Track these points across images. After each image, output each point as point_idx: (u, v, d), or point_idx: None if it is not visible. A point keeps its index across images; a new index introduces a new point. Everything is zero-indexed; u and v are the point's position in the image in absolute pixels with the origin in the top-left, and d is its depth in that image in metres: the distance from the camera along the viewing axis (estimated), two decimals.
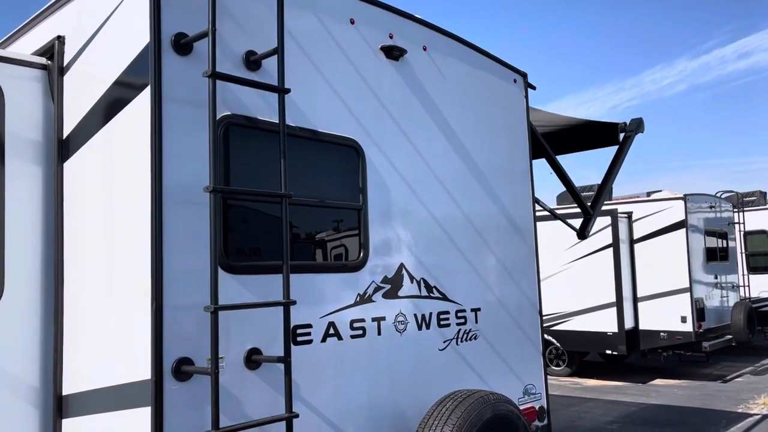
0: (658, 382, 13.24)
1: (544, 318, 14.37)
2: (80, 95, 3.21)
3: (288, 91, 2.98)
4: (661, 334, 12.89)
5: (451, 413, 3.24)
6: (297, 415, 2.86)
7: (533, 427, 4.64)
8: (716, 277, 13.98)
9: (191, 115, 2.89)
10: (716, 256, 14.05)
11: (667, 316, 12.83)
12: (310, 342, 3.29)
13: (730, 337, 13.58)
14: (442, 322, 4.10)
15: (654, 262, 13.11)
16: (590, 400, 11.54)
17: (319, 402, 3.29)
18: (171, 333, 2.72)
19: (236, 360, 2.96)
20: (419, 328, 3.93)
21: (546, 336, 13.79)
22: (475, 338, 4.32)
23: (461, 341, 4.21)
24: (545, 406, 4.84)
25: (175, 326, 2.74)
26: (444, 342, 4.10)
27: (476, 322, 4.36)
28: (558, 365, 14.17)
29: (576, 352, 13.93)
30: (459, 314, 4.23)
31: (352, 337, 3.51)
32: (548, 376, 14.86)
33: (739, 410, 10.35)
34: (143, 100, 2.80)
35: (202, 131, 2.82)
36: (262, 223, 3.21)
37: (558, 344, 13.74)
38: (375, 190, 3.74)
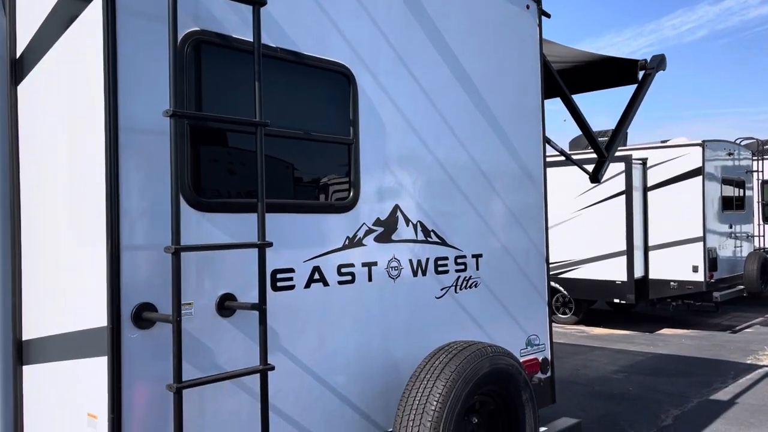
0: (665, 331, 13.06)
1: (551, 266, 14.14)
2: (34, 6, 2.84)
3: (264, 3, 2.60)
4: (671, 283, 12.62)
5: (444, 367, 2.98)
6: (272, 368, 2.60)
7: (536, 378, 4.40)
8: (731, 227, 13.60)
9: (154, 31, 2.53)
10: (732, 205, 13.64)
11: (678, 266, 12.53)
12: (291, 288, 3.00)
13: (742, 287, 13.29)
14: (439, 269, 3.80)
15: (667, 210, 12.73)
16: (596, 349, 11.37)
17: (303, 353, 3.03)
18: (130, 277, 2.44)
19: (207, 307, 2.68)
20: (414, 274, 3.64)
21: (553, 284, 13.58)
22: (475, 286, 4.03)
23: (460, 289, 3.93)
24: (549, 358, 4.59)
25: (134, 269, 2.45)
26: (442, 290, 3.81)
27: (477, 269, 4.06)
28: (564, 313, 14.00)
29: (583, 301, 13.73)
30: (458, 260, 3.92)
31: (340, 283, 3.23)
32: (554, 324, 14.68)
33: (748, 361, 10.15)
34: (94, 12, 2.43)
35: (166, 50, 2.46)
36: (239, 157, 2.88)
37: (565, 292, 13.53)
38: (368, 123, 3.39)
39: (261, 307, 2.57)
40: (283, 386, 2.94)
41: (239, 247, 2.63)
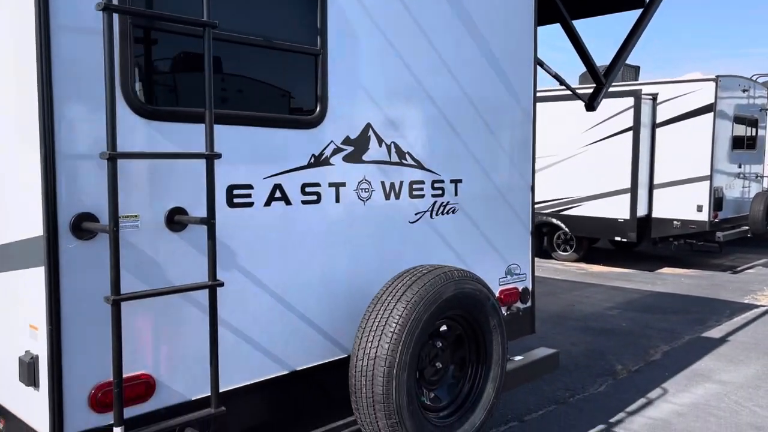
0: (665, 270, 12.99)
1: (553, 203, 13.95)
2: None
3: None
4: (674, 222, 12.46)
5: (407, 290, 2.88)
6: (220, 284, 2.51)
7: (515, 308, 4.32)
8: (740, 167, 13.31)
9: None
10: (743, 144, 13.30)
11: (683, 205, 12.34)
12: (250, 205, 2.88)
13: (747, 228, 13.11)
14: (414, 193, 3.66)
15: (675, 147, 12.44)
16: (593, 286, 11.35)
17: (262, 272, 2.94)
18: (69, 185, 2.32)
19: (155, 220, 2.57)
20: (387, 197, 3.51)
21: (554, 220, 13.46)
22: (453, 212, 3.90)
23: (437, 214, 3.80)
24: (530, 288, 4.50)
25: (74, 178, 2.33)
26: (416, 214, 3.68)
27: (456, 194, 3.92)
28: (565, 250, 13.94)
29: (585, 238, 13.63)
30: (436, 185, 3.78)
31: (304, 203, 3.10)
32: (554, 261, 14.62)
33: (746, 301, 10.09)
34: None
35: None
36: (194, 63, 2.71)
37: (566, 229, 13.42)
38: (338, 32, 3.19)
39: (209, 221, 2.46)
40: (240, 304, 2.86)
41: (184, 157, 2.50)
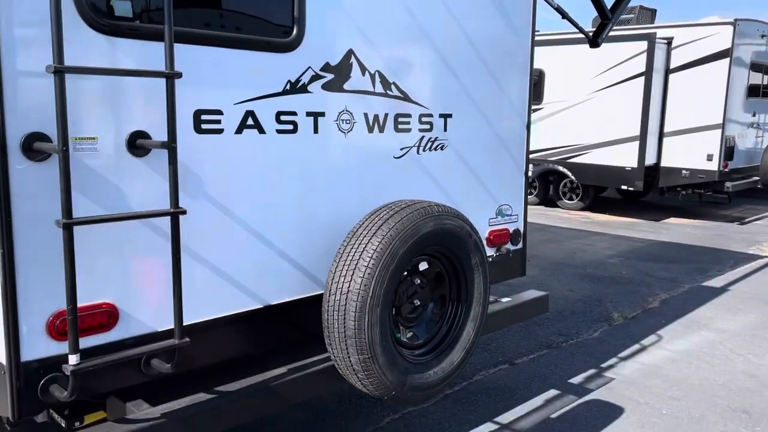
0: (672, 220, 12.82)
1: (559, 150, 13.68)
2: None
3: None
4: (683, 171, 12.23)
5: (383, 224, 2.77)
6: (183, 212, 2.40)
7: (504, 249, 4.21)
8: (754, 116, 12.97)
9: None
10: (759, 93, 12.91)
11: (693, 154, 12.08)
12: (219, 132, 2.75)
13: (757, 179, 12.86)
14: (400, 126, 3.51)
15: (688, 94, 12.09)
16: (596, 234, 11.23)
17: (233, 202, 2.83)
18: (18, 103, 2.19)
19: (116, 143, 2.44)
20: (370, 130, 3.36)
21: (561, 168, 13.24)
22: (441, 148, 3.75)
23: (424, 150, 3.65)
24: (521, 230, 4.37)
25: (23, 95, 2.20)
26: (402, 149, 3.54)
27: (445, 129, 3.76)
28: (571, 199, 13.77)
29: (591, 186, 13.44)
30: (423, 119, 3.62)
31: (279, 131, 2.96)
32: (559, 210, 14.42)
33: (750, 251, 9.95)
34: None
35: None
36: None
37: (573, 177, 13.23)
38: None
39: (170, 145, 2.34)
40: (209, 235, 2.76)
41: (140, 74, 2.36)
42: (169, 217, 2.41)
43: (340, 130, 3.21)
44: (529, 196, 14.21)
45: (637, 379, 5.14)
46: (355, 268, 2.68)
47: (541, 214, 13.05)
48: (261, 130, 2.89)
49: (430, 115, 3.66)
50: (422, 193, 3.62)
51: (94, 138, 2.37)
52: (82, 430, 2.67)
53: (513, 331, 6.19)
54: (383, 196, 3.39)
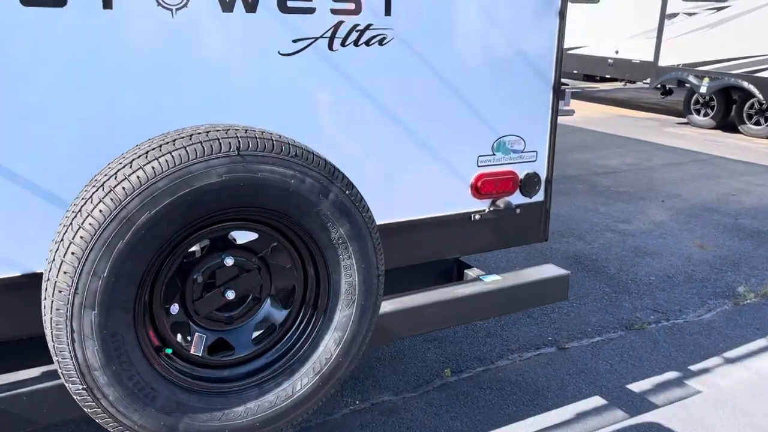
0: None
1: (746, 61, 10.81)
2: None
3: None
4: None
5: (119, 170, 1.58)
6: None
7: (502, 203, 2.80)
8: None
9: None
10: None
11: None
12: None
13: None
14: (291, 3, 2.21)
15: None
16: None
17: None
18: None
19: None
20: (227, 8, 2.12)
21: (746, 84, 10.52)
22: (380, 43, 2.39)
23: (344, 45, 2.33)
24: (541, 174, 2.90)
25: None
26: (296, 42, 2.25)
27: (387, 13, 2.38)
28: (758, 123, 11.04)
29: None
30: None
31: (27, 3, 1.85)
32: (737, 137, 11.64)
33: None
34: None
35: None
36: None
37: (761, 97, 10.48)
38: None
39: None
40: None
41: None
42: None
43: (162, 4, 2.01)
44: (702, 118, 11.69)
45: (735, 396, 3.53)
46: (59, 246, 1.58)
47: (711, 141, 10.59)
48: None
49: None
50: (337, 117, 2.35)
51: None
52: None
53: (585, 300, 4.71)
54: (256, 119, 2.17)
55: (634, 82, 14.19)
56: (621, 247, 5.79)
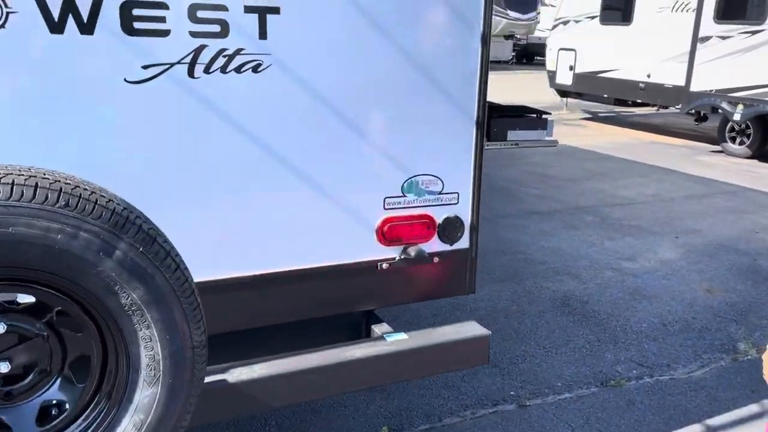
0: None
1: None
2: None
3: None
4: None
5: None
6: None
7: (412, 251, 2.45)
8: None
9: None
10: None
11: None
12: None
13: None
14: (138, 25, 1.94)
15: None
16: None
17: None
18: None
19: None
20: (56, 29, 1.86)
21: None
22: (255, 70, 2.10)
23: (209, 72, 2.05)
24: (464, 219, 2.54)
25: None
26: (147, 68, 1.98)
27: (263, 36, 2.09)
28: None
29: None
30: (202, 14, 2.00)
31: None
32: (744, 162, 10.81)
33: None
34: None
35: None
36: None
37: None
38: None
39: None
40: None
41: None
42: None
43: None
44: (738, 146, 10.99)
45: None
46: None
47: (744, 172, 9.92)
48: None
49: (221, 8, 2.02)
50: (199, 154, 2.06)
51: None
52: None
53: (564, 349, 4.28)
54: (87, 156, 1.91)
55: (666, 108, 13.54)
56: (618, 288, 5.32)
